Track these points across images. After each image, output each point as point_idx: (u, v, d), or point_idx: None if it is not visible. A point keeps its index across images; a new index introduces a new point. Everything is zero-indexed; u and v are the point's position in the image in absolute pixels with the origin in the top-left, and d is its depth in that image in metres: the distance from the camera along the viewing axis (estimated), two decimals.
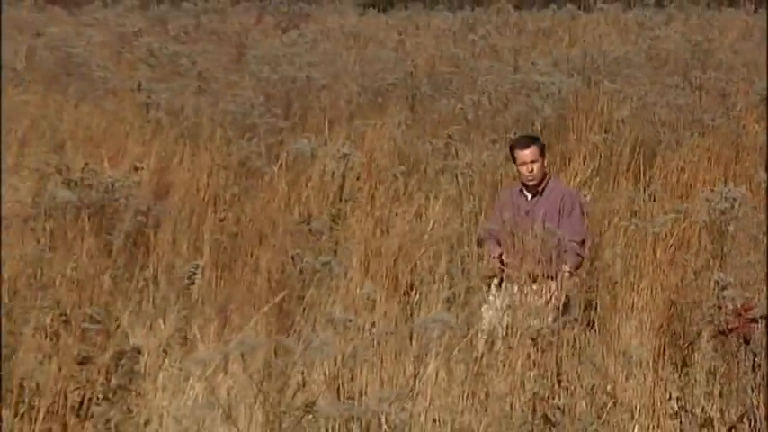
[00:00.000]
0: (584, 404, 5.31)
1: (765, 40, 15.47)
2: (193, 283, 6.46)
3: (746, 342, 5.43)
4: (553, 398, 5.19)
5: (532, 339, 5.74)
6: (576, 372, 5.57)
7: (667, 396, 5.55)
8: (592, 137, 10.09)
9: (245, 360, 4.46)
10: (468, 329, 5.80)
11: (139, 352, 5.06)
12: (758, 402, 5.31)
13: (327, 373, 4.92)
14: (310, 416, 4.51)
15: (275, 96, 11.71)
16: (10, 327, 5.06)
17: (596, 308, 6.68)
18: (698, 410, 5.39)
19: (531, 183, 7.31)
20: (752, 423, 5.30)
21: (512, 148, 7.49)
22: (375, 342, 5.13)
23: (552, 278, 6.66)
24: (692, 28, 17.63)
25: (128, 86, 11.98)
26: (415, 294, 6.91)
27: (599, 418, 5.24)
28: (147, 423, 5.00)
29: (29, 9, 20.60)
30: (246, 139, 9.61)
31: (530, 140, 7.49)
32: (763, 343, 5.39)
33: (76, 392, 4.91)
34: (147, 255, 7.29)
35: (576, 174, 9.25)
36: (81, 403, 4.90)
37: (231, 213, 7.97)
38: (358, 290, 6.25)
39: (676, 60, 14.34)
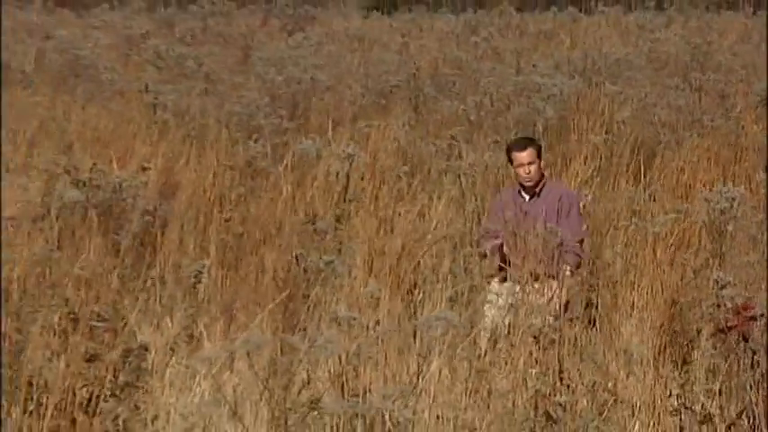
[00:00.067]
0: (585, 401, 5.30)
1: (764, 42, 15.51)
2: (200, 282, 6.46)
3: (746, 340, 5.44)
4: (555, 395, 5.17)
5: (534, 337, 5.73)
6: (578, 369, 5.56)
7: (667, 393, 5.54)
8: (593, 137, 10.10)
9: (250, 358, 4.45)
10: (471, 328, 5.80)
11: (147, 350, 5.07)
12: (757, 399, 5.30)
13: (332, 370, 4.89)
14: (315, 413, 4.51)
15: (280, 98, 11.75)
16: (19, 325, 5.09)
17: (597, 306, 6.67)
18: (698, 407, 5.38)
19: (528, 184, 7.34)
20: (751, 420, 5.32)
21: (509, 150, 7.50)
22: (379, 340, 5.11)
23: (554, 277, 6.68)
24: (691, 30, 17.68)
25: (135, 88, 12.03)
26: (419, 293, 6.92)
27: (600, 414, 5.24)
28: (154, 420, 5.00)
29: (38, 12, 20.67)
30: (252, 140, 9.64)
31: (526, 142, 7.50)
32: (762, 341, 5.40)
33: (84, 389, 4.91)
34: (154, 254, 7.30)
35: (577, 174, 9.26)
36: (89, 400, 4.90)
37: (237, 213, 7.97)
38: (362, 288, 6.24)
39: (676, 62, 14.39)
